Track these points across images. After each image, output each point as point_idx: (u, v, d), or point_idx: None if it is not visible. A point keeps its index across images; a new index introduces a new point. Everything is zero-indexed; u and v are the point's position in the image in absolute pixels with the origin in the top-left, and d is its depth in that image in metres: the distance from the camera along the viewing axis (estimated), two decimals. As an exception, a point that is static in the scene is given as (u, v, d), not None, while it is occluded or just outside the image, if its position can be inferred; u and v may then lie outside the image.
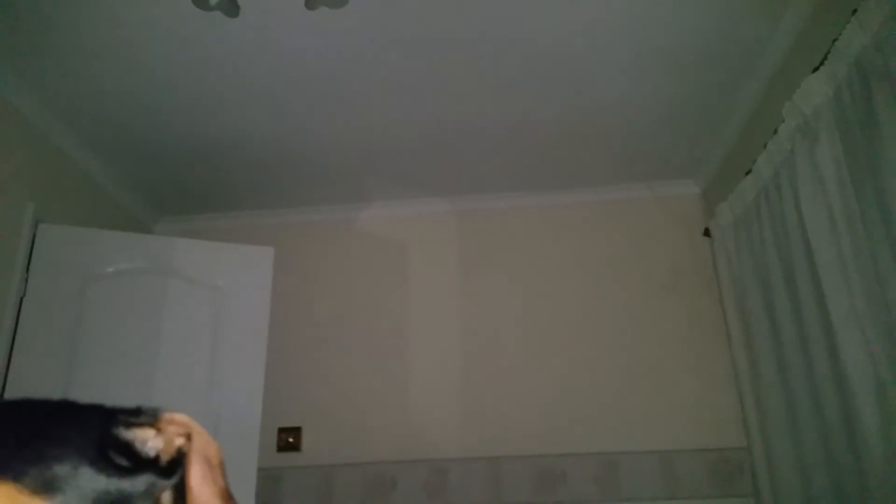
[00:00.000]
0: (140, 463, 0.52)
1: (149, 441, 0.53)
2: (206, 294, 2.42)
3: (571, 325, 2.83)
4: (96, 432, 0.52)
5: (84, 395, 0.55)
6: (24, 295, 2.20)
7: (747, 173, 2.32)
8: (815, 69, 1.84)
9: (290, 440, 2.73)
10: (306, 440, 2.74)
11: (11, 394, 1.98)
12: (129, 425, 0.53)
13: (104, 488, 0.49)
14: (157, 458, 0.53)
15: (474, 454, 2.67)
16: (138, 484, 0.51)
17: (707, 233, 2.74)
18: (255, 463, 2.25)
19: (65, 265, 2.28)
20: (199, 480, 0.54)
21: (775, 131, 2.10)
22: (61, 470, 0.48)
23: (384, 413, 2.77)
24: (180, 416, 0.57)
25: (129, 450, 0.52)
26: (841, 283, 1.79)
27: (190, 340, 2.34)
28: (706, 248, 2.78)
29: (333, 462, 2.70)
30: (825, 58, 1.79)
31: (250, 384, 2.33)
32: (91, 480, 0.49)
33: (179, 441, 0.55)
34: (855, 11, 1.64)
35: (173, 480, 0.53)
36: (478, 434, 2.70)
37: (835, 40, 1.73)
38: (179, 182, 2.88)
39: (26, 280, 2.21)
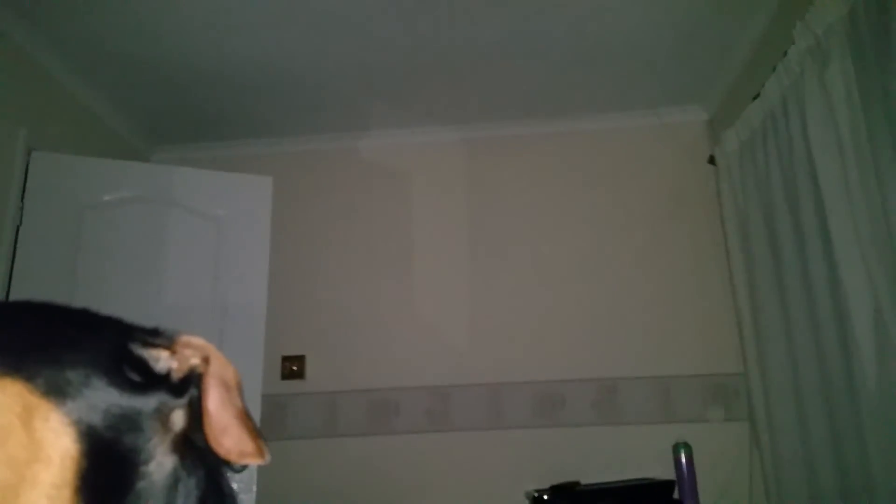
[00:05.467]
0: (152, 380, 0.51)
1: (162, 360, 0.52)
2: (206, 223, 2.40)
3: (574, 254, 2.84)
4: (112, 344, 0.51)
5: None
6: (21, 224, 2.17)
7: (755, 98, 2.27)
8: (832, -15, 1.77)
9: (294, 368, 2.77)
10: (310, 368, 2.79)
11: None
12: (146, 344, 0.52)
13: (114, 402, 0.48)
14: (168, 376, 0.52)
15: (476, 380, 2.71)
16: (149, 402, 0.51)
17: (712, 160, 2.70)
18: (259, 390, 2.29)
19: (61, 194, 2.24)
20: (217, 404, 0.54)
21: (785, 53, 2.03)
22: (74, 376, 0.47)
23: (387, 341, 2.80)
24: (197, 340, 0.56)
25: (142, 366, 0.51)
26: (845, 209, 1.77)
27: (191, 270, 2.33)
28: (711, 175, 2.75)
29: (337, 389, 2.75)
30: (842, -27, 1.72)
31: (253, 313, 2.34)
32: (102, 391, 0.48)
33: (194, 361, 0.54)
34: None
35: (184, 400, 0.53)
36: (480, 361, 2.74)
37: (854, -46, 1.65)
38: (175, 109, 2.80)
39: (21, 209, 2.18)
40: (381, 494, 2.62)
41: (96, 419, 0.47)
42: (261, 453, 0.53)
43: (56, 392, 0.46)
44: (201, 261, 2.36)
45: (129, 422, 0.49)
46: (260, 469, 2.26)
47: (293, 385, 2.77)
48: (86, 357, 0.49)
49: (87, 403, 0.47)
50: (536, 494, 2.28)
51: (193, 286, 2.31)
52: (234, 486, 0.58)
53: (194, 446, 0.54)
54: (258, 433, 0.54)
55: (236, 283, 2.36)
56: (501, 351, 2.75)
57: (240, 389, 0.56)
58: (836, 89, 1.79)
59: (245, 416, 0.54)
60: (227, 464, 0.56)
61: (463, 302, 2.83)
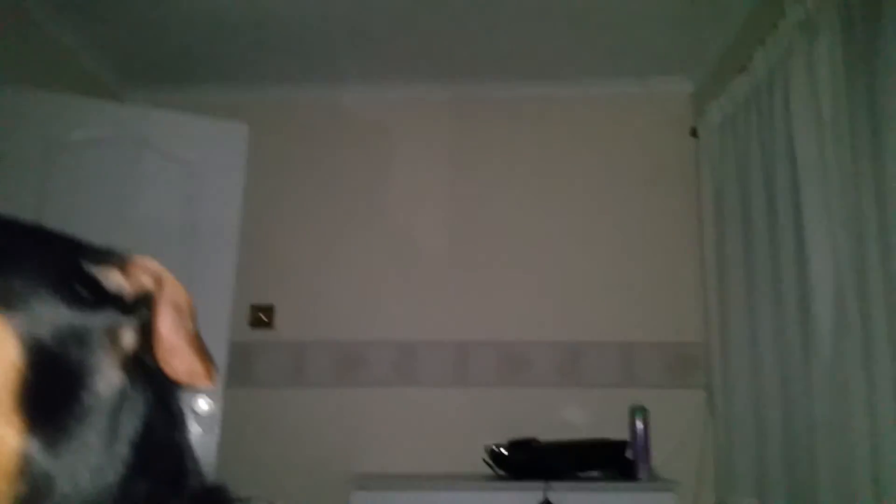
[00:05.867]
0: (102, 297, 0.51)
1: (114, 279, 0.52)
2: (179, 167, 2.36)
3: (548, 218, 2.85)
4: (63, 259, 0.50)
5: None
6: (-16, 157, 2.12)
7: (741, 71, 2.26)
8: (825, -43, 1.76)
9: (263, 317, 2.77)
10: (279, 318, 2.79)
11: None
12: (98, 262, 0.52)
13: (63, 316, 0.48)
14: (119, 295, 0.52)
15: (443, 338, 2.74)
16: (98, 319, 0.50)
17: (694, 133, 2.71)
18: (226, 335, 2.28)
19: (27, 130, 2.18)
20: (168, 326, 0.54)
21: (775, 26, 2.03)
22: (20, 286, 0.46)
23: (357, 295, 2.80)
24: (150, 262, 0.55)
25: (93, 283, 0.51)
26: (818, 187, 1.79)
27: (161, 214, 2.30)
28: (692, 148, 2.76)
29: (305, 339, 2.76)
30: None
31: (223, 260, 2.32)
32: (49, 305, 0.47)
33: (146, 282, 0.53)
34: None
35: (135, 320, 0.53)
36: (448, 319, 2.76)
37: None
38: (152, 49, 2.71)
39: (-15, 141, 2.12)
40: (346, 444, 2.67)
41: (43, 331, 0.47)
42: (210, 375, 0.54)
43: (1, 302, 0.46)
44: (172, 206, 2.33)
45: (76, 337, 0.49)
46: (225, 415, 2.28)
47: (261, 334, 2.77)
48: (34, 269, 0.48)
49: (34, 315, 0.47)
50: (495, 448, 2.34)
51: (163, 231, 2.28)
52: (183, 408, 0.58)
53: (144, 367, 0.54)
54: (209, 356, 0.54)
55: (208, 230, 2.33)
56: (470, 310, 2.77)
57: (192, 313, 0.56)
58: (821, 65, 1.79)
59: (196, 340, 0.54)
60: (181, 387, 0.56)
61: (436, 260, 2.83)
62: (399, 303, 2.79)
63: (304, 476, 2.59)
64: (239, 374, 2.63)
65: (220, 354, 2.22)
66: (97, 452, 0.49)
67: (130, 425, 0.52)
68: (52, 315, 0.48)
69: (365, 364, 2.73)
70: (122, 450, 0.51)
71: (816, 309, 1.76)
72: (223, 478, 0.63)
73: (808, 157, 1.83)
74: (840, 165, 1.73)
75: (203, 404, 2.18)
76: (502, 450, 2.33)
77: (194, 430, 2.18)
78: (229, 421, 2.30)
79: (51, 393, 0.48)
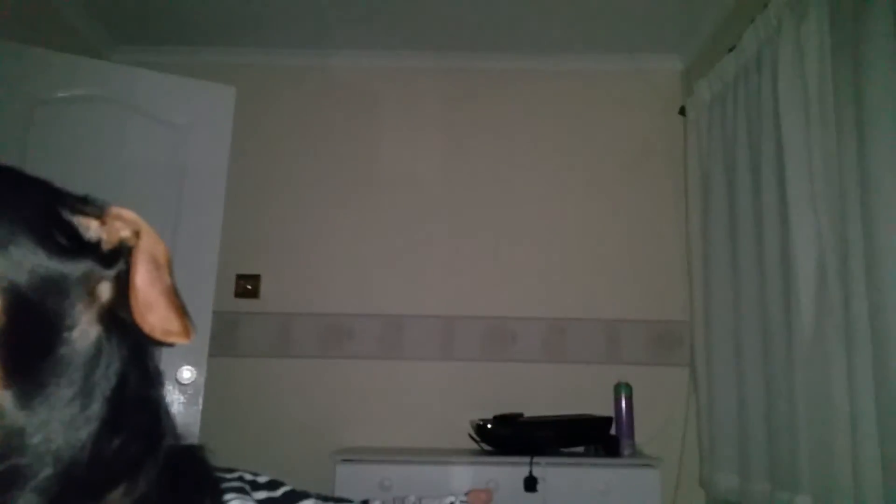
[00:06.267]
0: (80, 246, 0.49)
1: (92, 228, 0.51)
2: (164, 130, 2.31)
3: (536, 193, 2.84)
4: (41, 206, 0.49)
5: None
6: (-35, 115, 2.07)
7: (731, 50, 2.25)
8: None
9: (249, 287, 2.75)
10: (265, 288, 2.77)
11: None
12: (76, 211, 0.50)
13: (41, 263, 0.47)
14: (98, 245, 0.51)
15: (430, 312, 2.74)
16: (76, 268, 0.49)
17: (683, 111, 2.70)
18: (211, 304, 2.26)
19: (10, 85, 2.13)
20: (145, 279, 0.52)
21: (766, 5, 2.02)
22: None
23: (344, 267, 2.79)
24: (129, 213, 0.54)
25: (71, 232, 0.49)
26: (803, 166, 1.79)
27: (146, 177, 2.26)
28: (681, 126, 2.75)
29: (291, 311, 2.74)
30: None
31: (208, 225, 2.29)
32: (28, 251, 0.46)
33: (125, 233, 0.52)
34: None
35: (112, 271, 0.51)
36: (435, 293, 2.76)
37: None
38: (138, 8, 2.65)
39: (-35, 100, 2.07)
40: (330, 416, 2.66)
41: (20, 278, 0.46)
42: (186, 332, 0.52)
43: None
44: (157, 168, 2.28)
45: (54, 285, 0.48)
46: (208, 384, 2.26)
47: (246, 304, 2.75)
48: (11, 214, 0.47)
49: (11, 261, 0.46)
50: (481, 422, 2.35)
51: (147, 191, 2.24)
52: (159, 365, 0.57)
53: (121, 322, 0.52)
54: (185, 312, 0.53)
55: (193, 194, 2.30)
56: (457, 285, 2.76)
57: (169, 267, 0.54)
58: (809, 46, 1.79)
59: (173, 294, 0.53)
60: (157, 344, 0.55)
61: (422, 234, 2.82)
62: (386, 276, 2.78)
63: (289, 448, 2.59)
64: (224, 343, 2.62)
65: (204, 323, 2.20)
66: (70, 406, 0.48)
67: (105, 380, 0.51)
68: (30, 261, 0.47)
69: (351, 336, 2.72)
70: (96, 405, 0.50)
71: (798, 288, 1.77)
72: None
73: (793, 137, 1.83)
74: (824, 146, 1.73)
75: (187, 373, 2.16)
76: (487, 424, 2.34)
77: (177, 399, 2.17)
78: (213, 390, 2.29)
79: (27, 340, 0.47)
